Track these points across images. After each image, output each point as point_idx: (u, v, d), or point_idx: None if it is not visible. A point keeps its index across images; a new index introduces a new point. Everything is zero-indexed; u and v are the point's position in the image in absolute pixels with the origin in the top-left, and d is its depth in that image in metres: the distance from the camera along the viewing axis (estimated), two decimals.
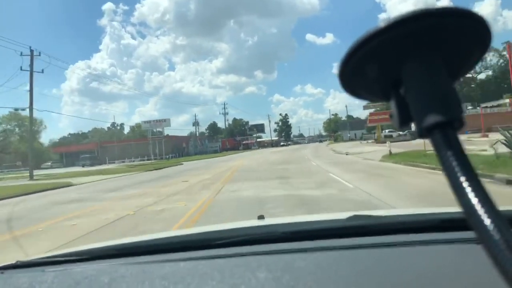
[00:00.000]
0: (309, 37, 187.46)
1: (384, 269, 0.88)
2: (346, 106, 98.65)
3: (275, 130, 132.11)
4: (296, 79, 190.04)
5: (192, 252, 1.05)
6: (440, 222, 1.09)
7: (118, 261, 1.04)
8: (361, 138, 55.49)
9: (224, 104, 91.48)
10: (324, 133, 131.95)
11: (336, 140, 80.00)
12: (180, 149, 66.73)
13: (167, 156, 54.73)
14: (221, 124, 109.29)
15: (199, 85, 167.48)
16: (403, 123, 0.35)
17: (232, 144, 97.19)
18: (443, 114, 0.32)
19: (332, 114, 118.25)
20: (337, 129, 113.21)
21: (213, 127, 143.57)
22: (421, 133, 0.32)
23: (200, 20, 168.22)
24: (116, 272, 0.92)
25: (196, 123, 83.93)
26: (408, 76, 0.35)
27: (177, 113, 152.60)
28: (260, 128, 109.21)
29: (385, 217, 1.24)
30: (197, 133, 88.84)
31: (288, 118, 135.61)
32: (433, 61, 0.34)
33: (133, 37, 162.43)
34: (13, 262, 1.10)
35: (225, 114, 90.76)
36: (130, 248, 1.18)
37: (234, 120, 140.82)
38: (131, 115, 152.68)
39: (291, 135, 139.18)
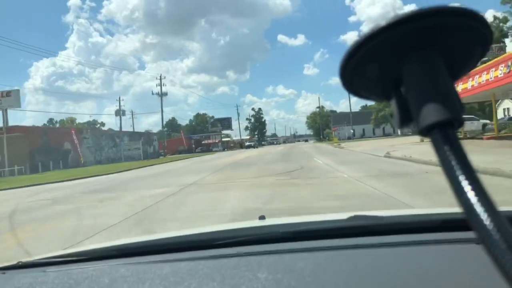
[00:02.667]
0: (281, 38, 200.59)
1: (385, 269, 0.91)
2: (348, 95, 71.66)
3: (246, 128, 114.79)
4: (268, 80, 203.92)
5: (193, 252, 1.10)
6: (440, 222, 1.14)
7: (119, 261, 1.09)
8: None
9: (160, 77, 60.13)
10: (307, 131, 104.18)
11: (325, 138, 51.88)
12: (58, 153, 35.12)
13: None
14: (182, 121, 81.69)
15: (169, 85, 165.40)
16: (404, 123, 0.35)
17: (187, 145, 66.52)
18: (443, 114, 0.32)
19: (317, 107, 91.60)
20: (326, 125, 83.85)
21: (171, 124, 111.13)
22: (421, 133, 0.34)
23: (171, 18, 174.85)
24: (117, 272, 0.97)
25: (119, 112, 52.32)
26: (409, 76, 0.35)
27: (147, 114, 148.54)
28: (226, 123, 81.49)
29: (386, 217, 1.28)
30: (133, 125, 57.91)
31: (262, 114, 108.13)
32: (433, 61, 0.35)
33: (101, 35, 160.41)
34: (15, 262, 1.15)
35: (161, 94, 59.21)
36: (131, 248, 1.23)
37: (197, 115, 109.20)
38: (99, 115, 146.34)
39: (265, 134, 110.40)
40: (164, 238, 1.29)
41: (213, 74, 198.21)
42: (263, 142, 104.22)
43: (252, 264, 0.93)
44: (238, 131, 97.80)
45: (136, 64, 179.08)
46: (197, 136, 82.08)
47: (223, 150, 71.93)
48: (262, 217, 1.56)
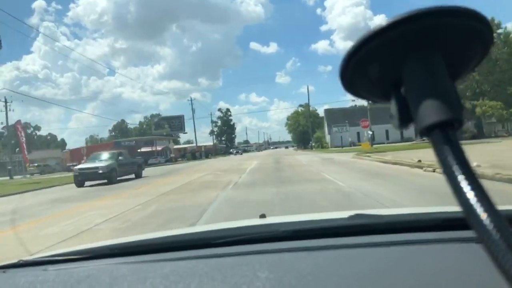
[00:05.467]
0: (254, 45, 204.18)
1: (385, 268, 0.94)
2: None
3: (211, 132, 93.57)
4: (241, 87, 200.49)
5: (194, 251, 1.14)
6: (442, 221, 1.18)
7: (120, 260, 1.13)
8: None
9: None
10: (281, 138, 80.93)
11: (321, 147, 26.83)
12: None
13: None
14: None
15: (140, 91, 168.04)
16: (403, 123, 0.36)
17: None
18: (443, 114, 0.33)
19: (300, 105, 67.72)
20: (315, 127, 56.74)
21: (120, 127, 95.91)
22: (421, 133, 0.34)
23: (141, 23, 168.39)
24: (118, 271, 1.01)
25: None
26: (409, 76, 0.36)
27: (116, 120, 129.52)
28: (176, 123, 54.11)
29: (387, 216, 1.35)
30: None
31: (230, 115, 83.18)
32: (433, 61, 0.35)
33: (69, 39, 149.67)
34: (15, 261, 1.18)
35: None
36: (132, 247, 1.27)
37: (152, 116, 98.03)
38: (67, 122, 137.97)
39: (235, 140, 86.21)
40: (165, 237, 1.33)
41: (185, 80, 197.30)
42: (231, 150, 78.90)
43: (252, 263, 0.96)
44: (194, 134, 72.34)
45: (105, 69, 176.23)
46: (129, 142, 54.94)
47: (166, 162, 46.06)
48: (262, 216, 1.58)
